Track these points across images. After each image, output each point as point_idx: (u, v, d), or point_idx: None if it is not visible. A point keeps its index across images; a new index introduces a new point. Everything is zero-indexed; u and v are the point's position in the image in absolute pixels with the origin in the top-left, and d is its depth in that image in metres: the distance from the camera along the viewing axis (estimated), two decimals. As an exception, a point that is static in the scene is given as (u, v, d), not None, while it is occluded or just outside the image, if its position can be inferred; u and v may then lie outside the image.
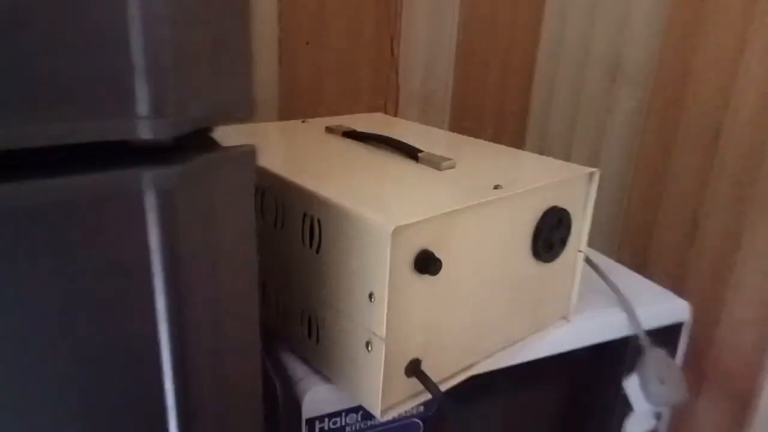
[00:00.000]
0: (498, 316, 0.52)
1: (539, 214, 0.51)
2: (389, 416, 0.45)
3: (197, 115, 0.28)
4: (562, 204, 0.53)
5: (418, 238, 0.42)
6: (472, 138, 0.65)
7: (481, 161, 0.56)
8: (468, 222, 0.45)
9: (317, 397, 0.48)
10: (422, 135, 0.65)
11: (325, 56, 0.99)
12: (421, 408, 0.54)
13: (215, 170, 0.30)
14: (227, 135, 0.62)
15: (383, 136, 0.58)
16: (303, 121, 0.69)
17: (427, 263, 0.43)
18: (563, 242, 0.55)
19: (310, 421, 0.49)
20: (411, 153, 0.55)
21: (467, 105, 1.12)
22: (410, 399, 0.47)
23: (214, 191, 0.30)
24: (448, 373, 0.50)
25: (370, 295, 0.42)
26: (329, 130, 0.64)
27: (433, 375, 0.48)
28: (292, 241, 0.49)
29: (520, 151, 0.61)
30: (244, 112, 0.30)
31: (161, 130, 0.26)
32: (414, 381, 0.46)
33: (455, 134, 0.67)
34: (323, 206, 0.45)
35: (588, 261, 0.63)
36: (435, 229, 0.43)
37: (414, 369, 0.46)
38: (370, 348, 0.43)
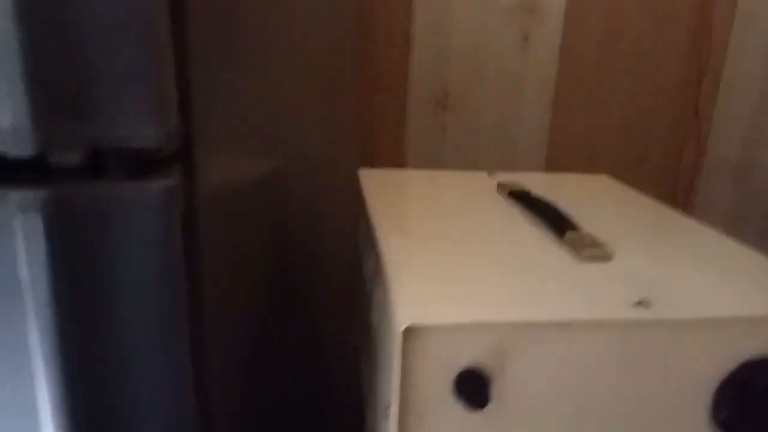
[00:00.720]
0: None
1: (728, 366, 0.31)
2: None
3: (69, 134, 0.23)
4: (791, 358, 0.31)
5: (464, 350, 0.29)
6: (702, 227, 0.44)
7: (660, 259, 0.37)
8: (567, 346, 0.30)
9: None
10: (623, 212, 0.48)
11: (607, 107, 0.85)
12: None
13: (105, 205, 0.25)
14: (374, 178, 0.55)
15: (543, 203, 0.44)
16: (489, 174, 0.58)
17: (470, 389, 0.29)
18: (788, 423, 0.32)
19: None
20: (559, 228, 0.40)
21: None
22: None
23: (100, 230, 0.25)
24: None
25: (387, 408, 0.31)
26: (501, 187, 0.52)
27: None
28: (371, 309, 0.40)
29: (756, 255, 0.38)
30: (148, 139, 0.24)
31: (19, 144, 0.23)
32: None
33: (680, 217, 0.47)
34: (379, 273, 0.35)
35: None
36: (498, 342, 0.29)
37: None
38: (380, 478, 0.32)
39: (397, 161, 0.84)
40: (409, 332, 0.28)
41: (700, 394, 0.31)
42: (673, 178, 0.89)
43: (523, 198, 0.47)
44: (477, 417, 0.30)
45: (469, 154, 0.87)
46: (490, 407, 0.30)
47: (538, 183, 0.54)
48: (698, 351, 0.31)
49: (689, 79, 0.84)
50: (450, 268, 0.35)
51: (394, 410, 0.30)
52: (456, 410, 0.30)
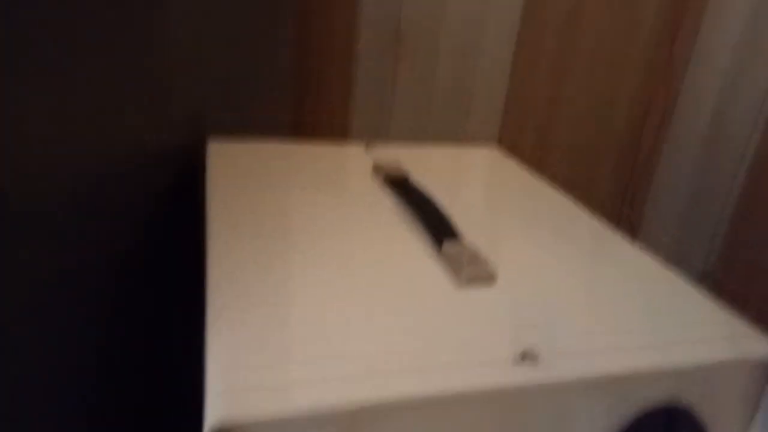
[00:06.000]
0: None
1: (621, 420, 0.26)
2: None
3: None
4: (694, 402, 0.26)
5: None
6: (605, 230, 0.39)
7: (550, 280, 0.31)
8: (433, 423, 0.23)
9: None
10: (509, 203, 0.42)
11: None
12: None
13: None
14: (224, 154, 0.42)
15: (422, 197, 0.37)
16: (367, 147, 0.50)
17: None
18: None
19: None
20: (437, 236, 0.33)
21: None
22: None
23: None
24: None
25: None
26: (377, 170, 0.44)
27: None
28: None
29: (671, 276, 0.34)
30: None
31: None
32: None
33: (579, 214, 0.41)
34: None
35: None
36: (346, 424, 0.22)
37: None
38: None
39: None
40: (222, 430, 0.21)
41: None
42: (634, 147, 0.80)
43: (400, 187, 0.40)
44: None
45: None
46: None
47: (418, 160, 0.46)
48: (589, 408, 0.25)
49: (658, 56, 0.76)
50: (289, 309, 0.27)
51: None
52: None
